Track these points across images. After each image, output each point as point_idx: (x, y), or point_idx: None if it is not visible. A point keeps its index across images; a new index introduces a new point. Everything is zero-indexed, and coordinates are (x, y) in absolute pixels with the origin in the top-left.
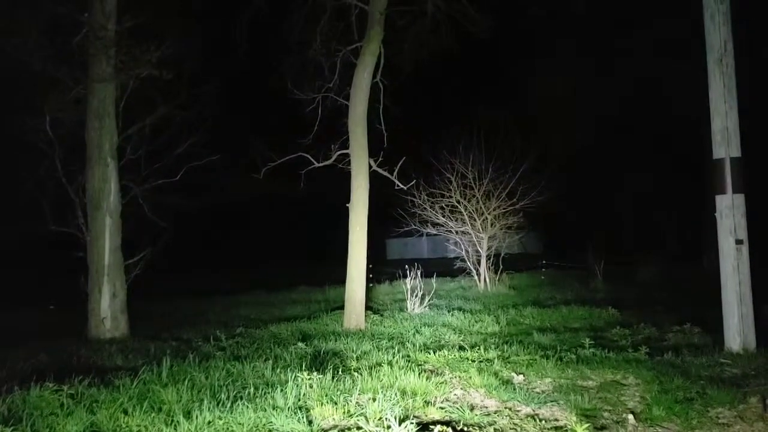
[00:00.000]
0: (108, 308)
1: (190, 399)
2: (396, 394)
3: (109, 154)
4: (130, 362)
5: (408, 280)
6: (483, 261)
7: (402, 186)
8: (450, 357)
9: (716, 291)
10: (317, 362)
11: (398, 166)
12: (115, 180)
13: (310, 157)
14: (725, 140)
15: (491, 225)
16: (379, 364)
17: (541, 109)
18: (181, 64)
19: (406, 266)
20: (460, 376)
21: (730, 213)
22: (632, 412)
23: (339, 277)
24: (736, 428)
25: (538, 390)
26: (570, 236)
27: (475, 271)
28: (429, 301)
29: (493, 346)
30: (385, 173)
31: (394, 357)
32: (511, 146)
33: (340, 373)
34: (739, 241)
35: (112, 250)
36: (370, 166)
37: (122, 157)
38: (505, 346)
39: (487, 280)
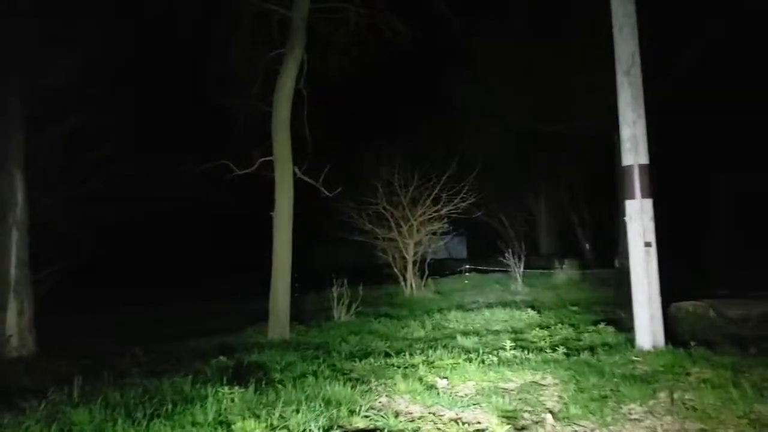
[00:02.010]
0: (14, 326)
1: (103, 419)
2: (320, 404)
3: (14, 165)
4: (39, 383)
5: (334, 288)
6: (409, 267)
7: (327, 194)
8: (375, 364)
9: (628, 291)
10: (239, 375)
11: (323, 174)
12: (21, 191)
13: (231, 165)
14: (633, 148)
15: (417, 231)
16: (304, 375)
17: (466, 117)
18: (97, 70)
19: (333, 274)
20: (385, 383)
21: (638, 217)
22: (551, 412)
23: (265, 288)
24: (647, 423)
25: (461, 394)
26: (493, 241)
27: (401, 277)
28: (356, 308)
29: (418, 352)
30: (310, 181)
31: (319, 367)
32: (435, 153)
33: (263, 385)
34: (647, 244)
35: (18, 266)
36: (295, 174)
37: (33, 167)
38: (430, 351)
39: (413, 285)
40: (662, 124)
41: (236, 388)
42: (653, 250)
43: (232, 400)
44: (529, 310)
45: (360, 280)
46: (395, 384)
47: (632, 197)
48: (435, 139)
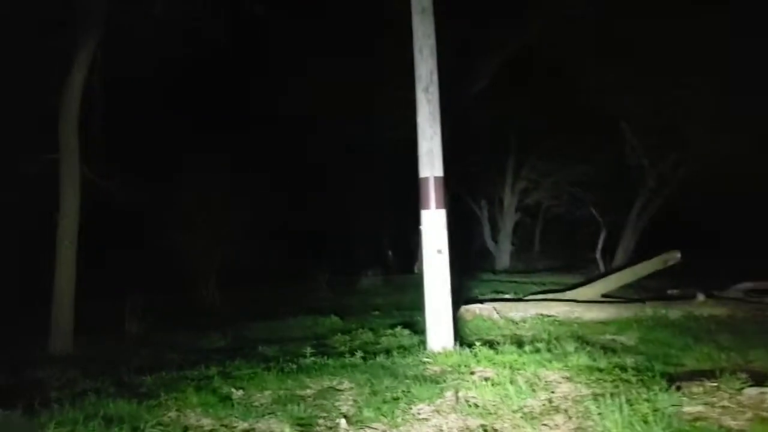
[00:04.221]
0: None
1: None
2: (100, 423)
3: None
4: None
5: (130, 297)
6: (214, 275)
7: (122, 198)
8: (167, 377)
9: (423, 296)
10: (7, 396)
11: (118, 176)
12: None
13: (18, 163)
14: (430, 161)
15: (225, 237)
16: (86, 392)
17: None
18: None
19: (131, 282)
20: (176, 397)
21: (433, 226)
22: (345, 416)
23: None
24: (433, 422)
25: (257, 403)
26: (303, 248)
27: (205, 285)
28: (153, 319)
29: (215, 363)
30: (99, 180)
31: (103, 383)
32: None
33: (36, 405)
34: (439, 251)
35: None
36: (85, 174)
37: None
38: (228, 362)
39: (216, 293)
40: (456, 138)
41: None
42: (445, 256)
43: None
44: (333, 315)
45: (162, 288)
46: (187, 397)
47: (428, 207)
48: (254, 143)
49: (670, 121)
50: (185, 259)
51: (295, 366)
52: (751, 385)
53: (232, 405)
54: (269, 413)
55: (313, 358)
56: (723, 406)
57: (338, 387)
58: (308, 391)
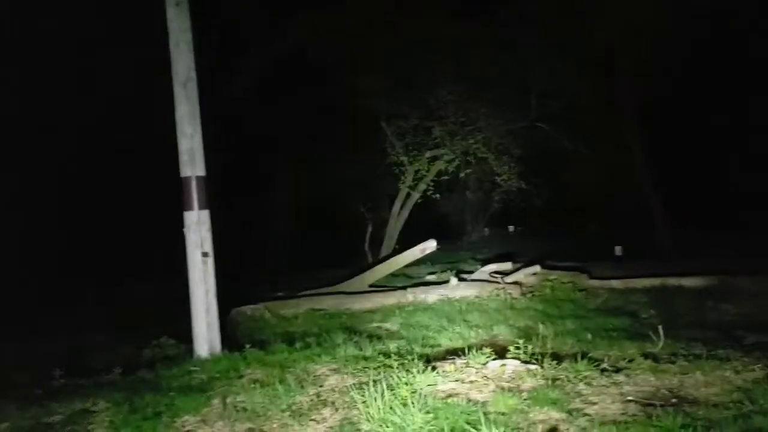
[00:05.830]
0: None
1: None
2: None
3: None
4: None
5: None
6: None
7: None
8: None
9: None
10: None
11: None
12: None
13: None
14: (191, 160)
15: None
16: None
17: None
18: None
19: None
20: None
21: (197, 228)
22: None
23: None
24: None
25: None
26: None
27: None
28: None
29: None
30: None
31: None
32: None
33: None
34: (205, 254)
35: None
36: None
37: None
38: None
39: None
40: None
41: None
42: (210, 260)
43: None
44: (92, 331)
45: None
46: None
47: (190, 208)
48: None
49: (420, 123)
50: None
51: (41, 391)
52: (494, 359)
53: None
54: None
55: (63, 380)
56: (471, 381)
57: (92, 409)
58: (56, 418)
